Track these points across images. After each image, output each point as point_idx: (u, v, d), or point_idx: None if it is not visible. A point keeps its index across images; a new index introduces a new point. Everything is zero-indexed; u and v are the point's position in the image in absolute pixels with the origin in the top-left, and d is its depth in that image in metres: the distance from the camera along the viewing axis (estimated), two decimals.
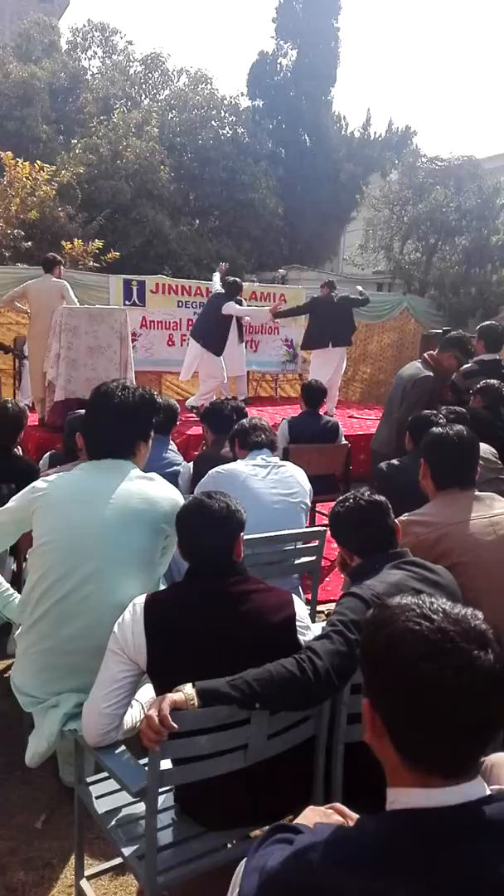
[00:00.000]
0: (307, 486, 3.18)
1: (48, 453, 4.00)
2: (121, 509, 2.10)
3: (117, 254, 11.48)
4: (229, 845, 1.81)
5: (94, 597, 2.06)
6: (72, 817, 2.18)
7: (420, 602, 0.99)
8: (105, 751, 1.83)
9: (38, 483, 2.18)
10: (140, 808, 1.79)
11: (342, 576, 2.24)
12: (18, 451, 3.81)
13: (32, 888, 2.16)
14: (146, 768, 1.62)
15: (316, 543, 3.06)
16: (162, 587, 3.07)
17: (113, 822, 1.86)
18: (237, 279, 8.29)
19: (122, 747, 1.84)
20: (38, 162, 11.56)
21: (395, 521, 2.13)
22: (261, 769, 1.70)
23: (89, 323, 6.31)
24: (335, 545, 2.25)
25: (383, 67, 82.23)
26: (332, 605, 3.75)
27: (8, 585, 2.45)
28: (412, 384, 4.46)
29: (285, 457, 5.16)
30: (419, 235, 14.44)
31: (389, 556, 2.02)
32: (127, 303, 9.43)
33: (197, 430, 6.94)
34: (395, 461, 3.53)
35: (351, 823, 1.18)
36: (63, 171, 12.47)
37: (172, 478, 3.94)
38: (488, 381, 3.92)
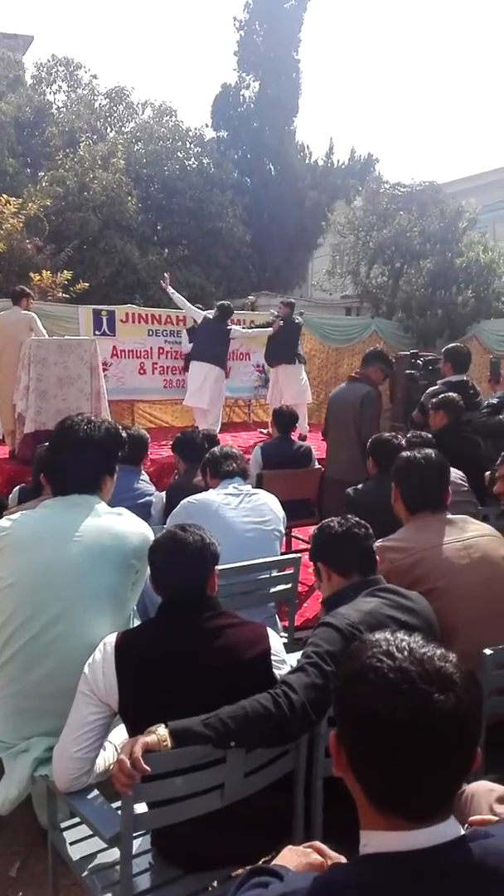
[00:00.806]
0: (280, 513, 3.17)
1: (17, 487, 3.94)
2: (88, 547, 2.05)
3: (86, 284, 11.47)
4: (211, 887, 1.76)
5: (62, 638, 2.00)
6: (48, 863, 2.10)
7: (389, 638, 0.97)
8: (77, 796, 1.77)
9: (2, 522, 2.12)
10: (116, 852, 1.74)
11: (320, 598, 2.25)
12: None
13: None
14: (120, 812, 1.57)
15: (291, 571, 3.04)
16: (136, 621, 3.04)
17: (88, 870, 1.80)
18: (225, 302, 8.46)
19: (95, 791, 1.79)
20: (5, 195, 11.57)
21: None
22: (238, 808, 1.66)
23: (58, 354, 6.28)
24: (311, 570, 2.26)
25: (344, 98, 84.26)
26: (309, 632, 3.74)
27: None
28: (361, 402, 4.58)
29: (259, 483, 5.15)
30: (385, 260, 14.66)
31: (364, 584, 2.01)
32: (97, 333, 9.41)
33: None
34: (359, 486, 3.54)
35: (330, 863, 1.15)
36: (30, 204, 12.46)
37: (145, 508, 3.90)
38: (447, 394, 3.96)
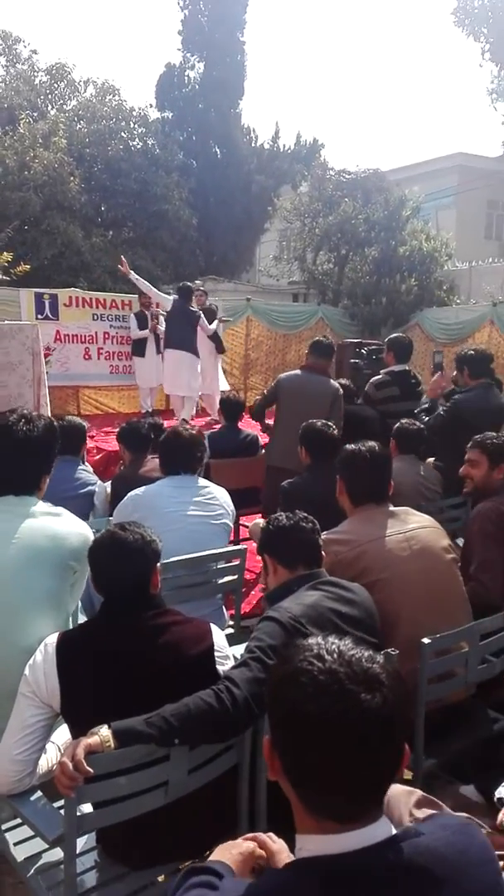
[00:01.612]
0: (230, 506, 3.15)
1: None
2: (24, 549, 2.00)
3: (27, 266, 11.18)
4: (158, 881, 1.77)
5: (0, 642, 1.95)
6: None
7: (321, 642, 0.99)
8: (19, 798, 1.75)
9: None
10: (61, 852, 1.73)
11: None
12: None
13: None
14: (63, 813, 1.56)
15: (237, 562, 3.05)
16: (82, 616, 3.00)
17: (33, 870, 1.78)
18: (185, 282, 8.43)
19: (38, 793, 1.77)
20: None
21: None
22: (183, 803, 1.67)
23: None
24: (259, 558, 2.27)
25: (290, 82, 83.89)
26: (256, 620, 3.77)
27: None
28: (332, 403, 4.53)
29: (207, 471, 5.15)
30: (331, 246, 14.75)
31: (308, 577, 2.04)
32: (39, 317, 9.21)
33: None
34: (294, 479, 3.56)
35: (266, 854, 1.17)
36: None
37: (88, 498, 3.85)
38: (401, 423, 4.01)
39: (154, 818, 1.64)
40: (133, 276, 8.66)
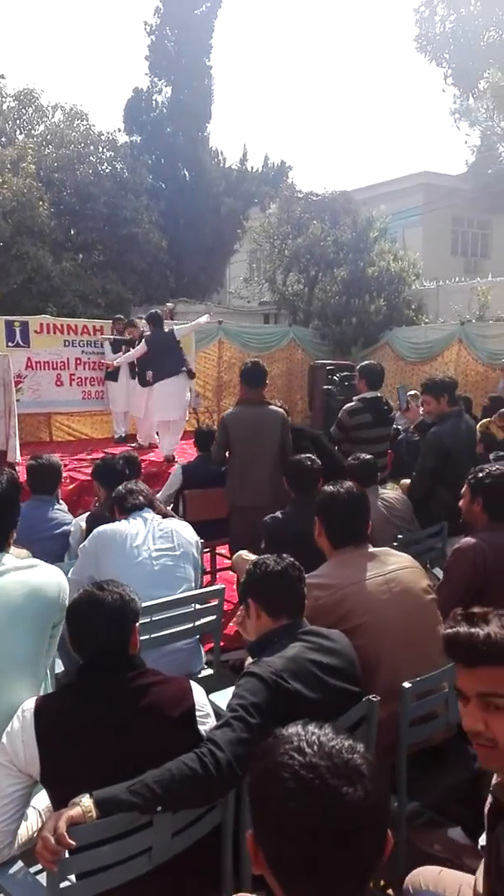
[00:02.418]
0: (192, 536, 3.18)
1: None
2: (0, 610, 1.95)
3: None
4: None
5: None
6: None
7: (301, 733, 0.99)
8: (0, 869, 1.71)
9: None
10: None
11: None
12: None
13: None
14: (45, 884, 1.52)
15: (215, 602, 3.03)
16: (59, 664, 2.94)
17: None
18: (153, 311, 8.41)
19: (19, 864, 1.73)
20: None
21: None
22: (166, 866, 1.64)
23: None
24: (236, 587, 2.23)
25: (256, 105, 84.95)
26: (234, 654, 3.73)
27: None
28: (283, 424, 4.56)
29: (182, 502, 5.12)
30: (300, 268, 14.88)
31: (291, 627, 2.03)
32: (10, 344, 9.14)
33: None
34: (278, 514, 3.54)
35: None
36: None
37: (63, 538, 3.81)
38: (348, 462, 4.01)
39: (138, 884, 1.61)
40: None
